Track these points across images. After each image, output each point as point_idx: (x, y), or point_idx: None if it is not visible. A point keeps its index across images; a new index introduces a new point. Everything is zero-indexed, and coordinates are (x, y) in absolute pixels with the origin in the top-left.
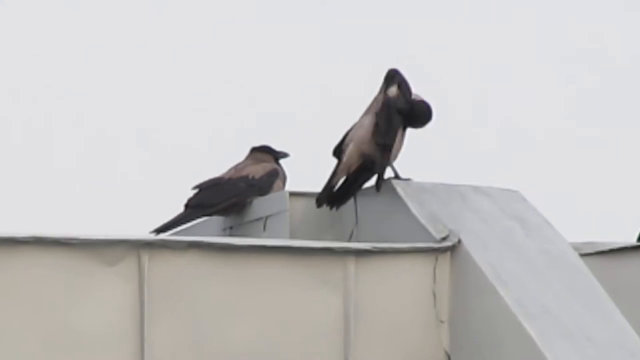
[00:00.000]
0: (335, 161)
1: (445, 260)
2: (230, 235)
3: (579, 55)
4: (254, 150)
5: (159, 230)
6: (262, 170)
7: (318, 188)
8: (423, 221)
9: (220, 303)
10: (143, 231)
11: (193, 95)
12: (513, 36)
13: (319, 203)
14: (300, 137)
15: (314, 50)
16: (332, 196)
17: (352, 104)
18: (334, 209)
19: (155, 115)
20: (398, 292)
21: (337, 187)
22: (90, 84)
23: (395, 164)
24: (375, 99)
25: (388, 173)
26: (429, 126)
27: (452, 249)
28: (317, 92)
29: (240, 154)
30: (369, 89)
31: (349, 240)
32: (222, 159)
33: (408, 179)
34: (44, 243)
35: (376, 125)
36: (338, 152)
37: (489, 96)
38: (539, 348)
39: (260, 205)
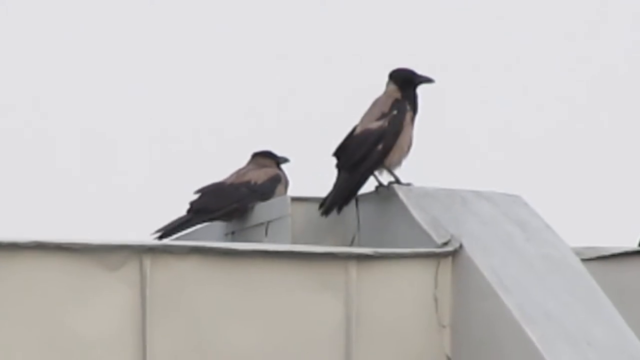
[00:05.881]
0: (334, 161)
1: (446, 265)
2: (232, 240)
3: (578, 58)
4: (256, 155)
5: (161, 232)
6: (264, 175)
7: (320, 193)
8: (425, 226)
9: (222, 308)
10: (145, 236)
11: (193, 98)
12: (513, 38)
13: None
14: (301, 141)
15: (314, 53)
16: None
17: (353, 108)
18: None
19: (156, 117)
20: (400, 296)
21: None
22: (91, 86)
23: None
24: (383, 96)
25: (388, 178)
26: (430, 130)
27: (454, 253)
28: (318, 95)
29: (241, 157)
30: (370, 92)
31: (351, 245)
32: (223, 162)
33: (409, 184)
34: (45, 248)
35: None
36: (339, 152)
37: (490, 99)
38: (541, 352)
39: (262, 211)
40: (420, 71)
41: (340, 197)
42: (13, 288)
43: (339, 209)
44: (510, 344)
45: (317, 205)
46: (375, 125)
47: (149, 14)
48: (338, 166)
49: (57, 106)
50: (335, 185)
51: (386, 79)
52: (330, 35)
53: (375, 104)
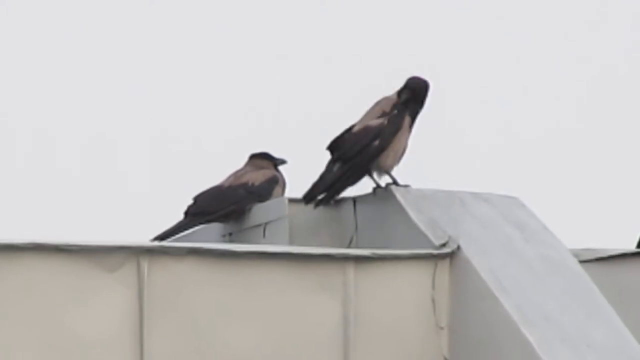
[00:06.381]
0: (329, 156)
1: (444, 266)
2: (230, 241)
3: (578, 58)
4: (253, 157)
5: (160, 238)
6: (262, 177)
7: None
8: (422, 227)
9: (220, 309)
10: (145, 236)
11: (193, 98)
12: (513, 38)
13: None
14: (300, 142)
15: (314, 53)
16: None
17: (352, 108)
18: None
19: (156, 117)
20: (397, 298)
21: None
22: (91, 86)
23: (395, 169)
24: (385, 98)
25: (386, 180)
26: (428, 131)
27: (452, 255)
28: (318, 95)
29: (241, 157)
30: (370, 92)
31: (349, 247)
32: (223, 162)
33: (407, 186)
34: (43, 249)
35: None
36: (334, 146)
37: (490, 99)
38: (539, 354)
39: (259, 212)
40: (420, 71)
41: (324, 185)
42: (12, 289)
43: (329, 199)
44: (509, 345)
45: (315, 207)
46: (375, 122)
47: (149, 14)
48: (331, 160)
49: (57, 106)
50: (321, 175)
51: (385, 79)
52: (330, 35)
53: (377, 103)
